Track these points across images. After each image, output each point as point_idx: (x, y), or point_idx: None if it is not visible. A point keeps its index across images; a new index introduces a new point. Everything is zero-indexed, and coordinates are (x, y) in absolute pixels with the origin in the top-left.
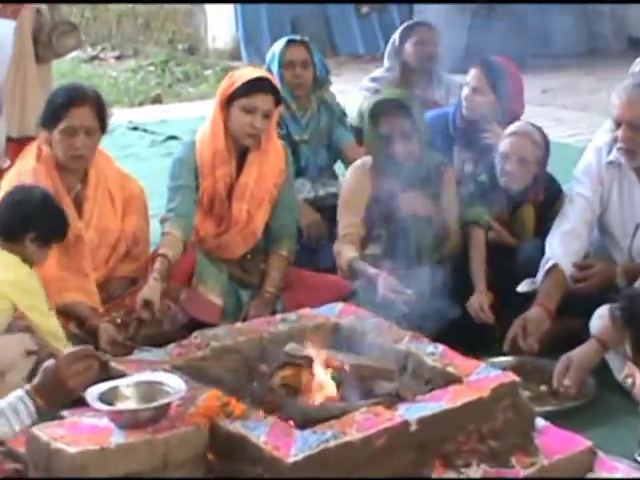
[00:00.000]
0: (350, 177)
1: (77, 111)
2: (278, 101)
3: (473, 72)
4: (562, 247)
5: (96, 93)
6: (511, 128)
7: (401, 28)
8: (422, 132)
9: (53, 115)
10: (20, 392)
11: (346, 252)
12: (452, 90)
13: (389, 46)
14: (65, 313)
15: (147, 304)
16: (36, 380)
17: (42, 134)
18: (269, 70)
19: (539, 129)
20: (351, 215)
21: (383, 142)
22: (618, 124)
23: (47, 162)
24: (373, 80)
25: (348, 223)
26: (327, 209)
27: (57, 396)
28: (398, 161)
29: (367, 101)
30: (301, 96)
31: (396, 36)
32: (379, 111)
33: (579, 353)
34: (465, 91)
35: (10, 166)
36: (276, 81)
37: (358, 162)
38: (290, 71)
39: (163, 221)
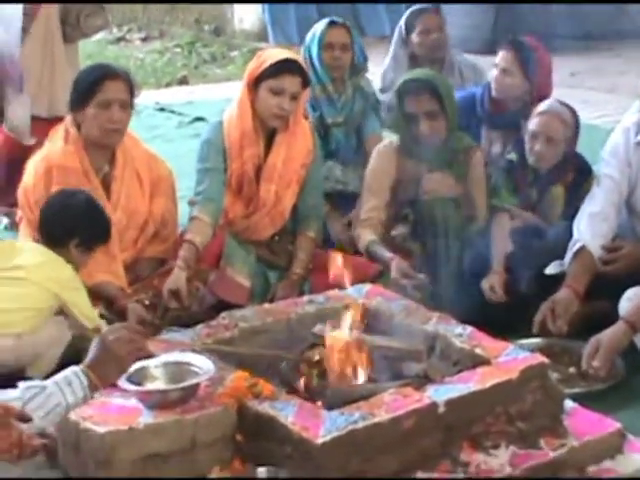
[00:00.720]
0: (375, 158)
1: (112, 84)
2: (306, 83)
3: (502, 53)
4: (590, 229)
5: (125, 69)
6: (540, 107)
7: (406, 15)
8: (450, 112)
9: (86, 91)
10: (74, 367)
11: (365, 236)
12: (466, 74)
13: (395, 35)
14: (94, 294)
15: (174, 293)
16: (87, 357)
17: (69, 116)
18: (308, 50)
19: (569, 107)
20: (374, 199)
21: (409, 121)
22: None
23: (75, 143)
24: (383, 91)
25: (369, 207)
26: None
27: (108, 368)
28: (424, 141)
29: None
30: (338, 79)
31: (402, 24)
32: (406, 90)
33: (608, 335)
34: (494, 72)
35: (36, 144)
36: (305, 63)
37: (384, 142)
38: (329, 53)
39: (192, 204)
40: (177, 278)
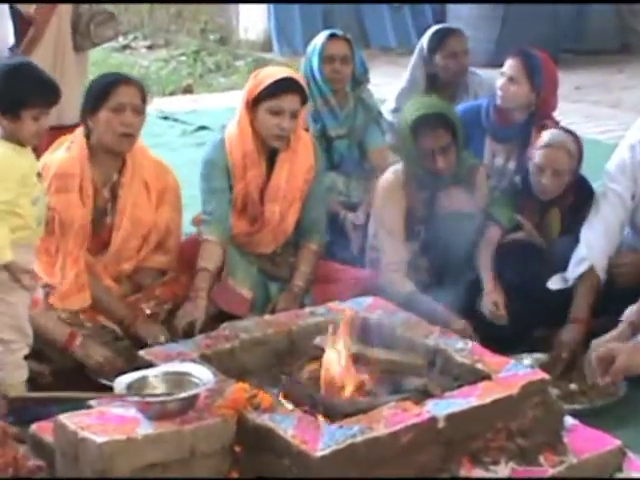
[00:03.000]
0: (383, 195)
1: (125, 89)
2: (305, 99)
3: (511, 62)
4: (598, 244)
5: (137, 77)
6: (545, 138)
7: (429, 35)
8: (460, 141)
9: (99, 95)
10: None
11: (401, 285)
12: (481, 94)
13: (415, 54)
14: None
15: (189, 325)
16: None
17: (80, 128)
18: (310, 63)
19: (572, 135)
20: (393, 239)
21: (424, 157)
22: None
23: (80, 151)
24: (396, 111)
25: (393, 249)
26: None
27: None
28: (438, 174)
29: (406, 111)
30: (339, 91)
31: (424, 43)
32: (420, 126)
33: (625, 353)
34: (500, 80)
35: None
36: (306, 75)
37: (389, 177)
38: (330, 65)
39: (197, 222)
40: (199, 309)
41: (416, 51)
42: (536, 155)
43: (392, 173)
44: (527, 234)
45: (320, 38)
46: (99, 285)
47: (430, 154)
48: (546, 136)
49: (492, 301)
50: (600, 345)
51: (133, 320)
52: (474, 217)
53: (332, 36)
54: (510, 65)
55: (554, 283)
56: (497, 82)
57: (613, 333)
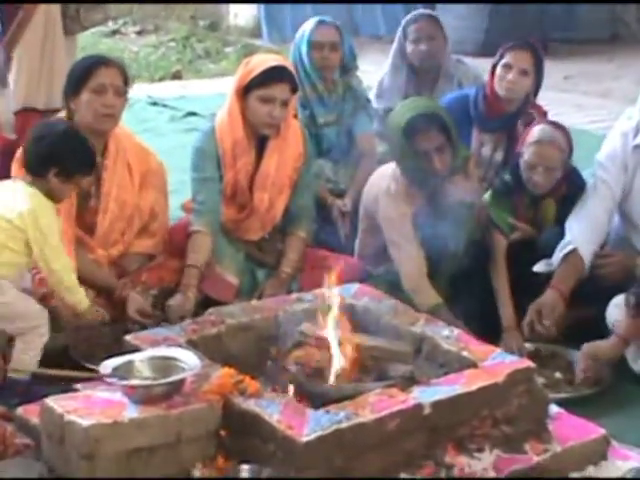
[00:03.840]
0: (390, 205)
1: (106, 70)
2: (295, 88)
3: (521, 54)
4: (584, 235)
5: (119, 60)
6: (535, 135)
7: (403, 22)
8: (454, 139)
9: (81, 76)
10: None
11: (426, 295)
12: (466, 83)
13: (395, 43)
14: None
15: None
16: None
17: (62, 112)
18: (298, 49)
19: (562, 129)
20: (410, 246)
21: (420, 158)
22: None
23: None
24: (379, 96)
25: (410, 258)
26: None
27: None
28: (436, 174)
29: (396, 115)
30: (328, 78)
31: (400, 31)
32: (414, 128)
33: (605, 350)
34: (508, 72)
35: (20, 139)
36: (295, 62)
37: (390, 186)
38: (318, 52)
39: (188, 209)
40: (190, 302)
41: (396, 39)
42: (526, 152)
43: (392, 180)
44: (522, 234)
45: (309, 25)
46: (87, 258)
47: (426, 155)
48: (536, 132)
49: (517, 346)
50: (591, 348)
51: (123, 290)
52: (475, 206)
53: (321, 23)
54: (521, 58)
55: (539, 267)
56: (499, 73)
57: (605, 343)
